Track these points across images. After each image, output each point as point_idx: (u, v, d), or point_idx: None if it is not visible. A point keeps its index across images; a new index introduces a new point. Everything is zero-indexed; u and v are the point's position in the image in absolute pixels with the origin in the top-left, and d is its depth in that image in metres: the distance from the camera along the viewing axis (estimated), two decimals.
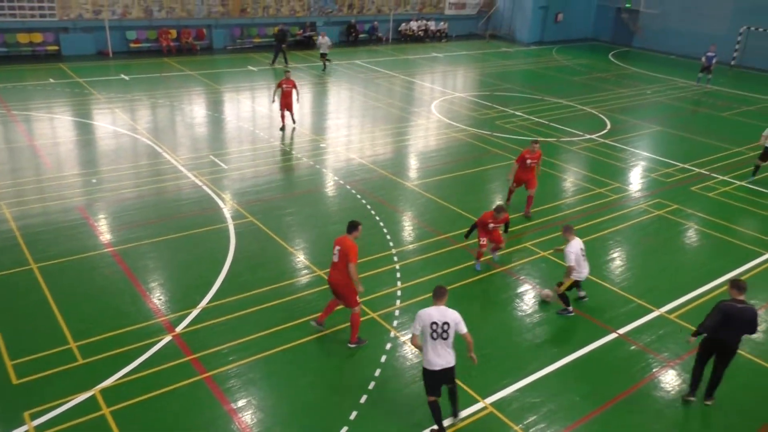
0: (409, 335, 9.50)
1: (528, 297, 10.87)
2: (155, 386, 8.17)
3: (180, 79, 25.48)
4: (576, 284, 10.18)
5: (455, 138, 19.57)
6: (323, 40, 28.32)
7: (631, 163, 18.12)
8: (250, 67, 28.34)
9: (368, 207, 14.06)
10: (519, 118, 22.03)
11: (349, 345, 9.17)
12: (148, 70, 26.88)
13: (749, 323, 7.75)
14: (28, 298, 10.03)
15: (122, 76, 25.38)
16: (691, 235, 13.63)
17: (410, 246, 12.36)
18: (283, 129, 19.35)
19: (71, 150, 16.94)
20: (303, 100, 24.08)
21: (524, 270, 11.73)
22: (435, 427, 7.56)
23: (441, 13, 40.01)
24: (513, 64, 33.25)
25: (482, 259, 11.63)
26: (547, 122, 21.66)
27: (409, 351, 9.20)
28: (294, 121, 19.73)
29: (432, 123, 21.31)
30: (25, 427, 7.40)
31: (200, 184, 14.89)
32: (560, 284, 10.10)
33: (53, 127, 18.72)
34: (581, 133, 20.52)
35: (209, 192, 14.45)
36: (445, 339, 7.06)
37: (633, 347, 9.56)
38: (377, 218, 13.50)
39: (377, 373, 8.68)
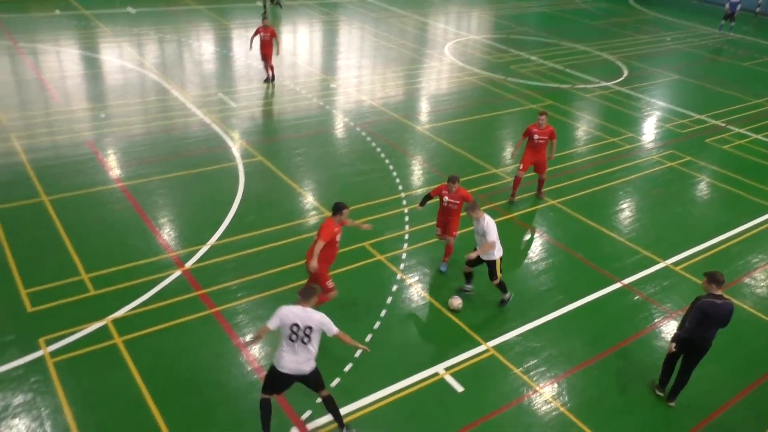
0: (416, 278, 9.64)
1: (535, 245, 10.92)
2: (166, 319, 8.36)
3: (187, 14, 24.92)
4: (470, 275, 9.24)
5: (468, 82, 19.21)
6: None
7: (646, 112, 17.80)
8: (259, 3, 27.58)
9: (378, 150, 13.96)
10: (534, 63, 21.54)
11: None
12: (154, 3, 26.25)
13: (725, 318, 7.02)
14: (40, 230, 10.16)
15: (129, 9, 24.81)
16: (703, 188, 13.52)
17: (419, 190, 12.33)
18: (267, 81, 17.56)
19: (79, 84, 16.77)
20: (313, 39, 23.60)
21: (532, 218, 11.73)
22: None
23: None
24: (529, 6, 32.22)
25: (448, 257, 9.94)
26: (562, 68, 21.17)
27: (414, 293, 9.33)
28: (273, 77, 17.59)
29: (445, 66, 20.88)
30: (40, 353, 7.64)
31: (209, 122, 14.78)
32: (495, 277, 8.89)
33: (60, 61, 18.47)
34: (597, 80, 20.08)
35: (218, 130, 14.36)
36: (305, 344, 6.25)
37: (637, 297, 9.65)
38: (387, 161, 13.43)
39: (383, 313, 8.83)
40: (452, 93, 18.28)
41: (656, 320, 9.16)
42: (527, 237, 11.13)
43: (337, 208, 8.01)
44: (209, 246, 10.03)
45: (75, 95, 15.95)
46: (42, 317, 8.24)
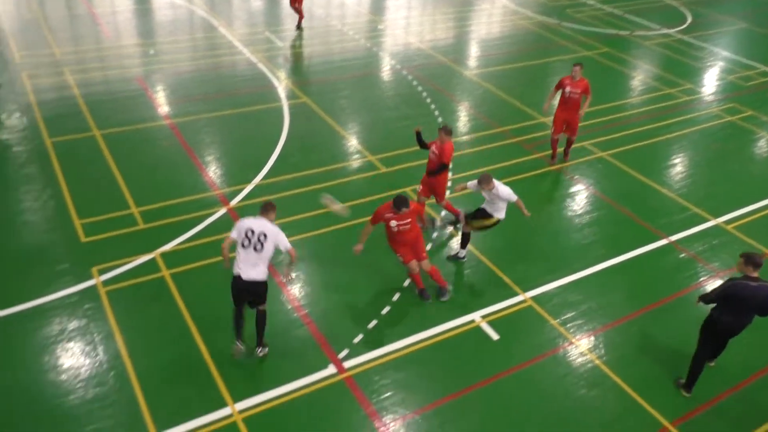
0: (458, 225, 9.60)
1: (580, 197, 10.69)
2: (210, 254, 8.60)
3: None
4: (466, 238, 8.75)
5: (521, 26, 18.49)
6: None
7: (708, 62, 16.86)
8: None
9: (424, 94, 13.72)
10: (591, 8, 20.52)
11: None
12: None
13: (762, 303, 6.43)
14: (92, 163, 10.48)
15: None
16: (763, 145, 12.87)
17: (464, 137, 12.13)
18: (298, 27, 16.90)
19: (129, 19, 16.89)
20: None
21: (579, 170, 11.44)
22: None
23: None
24: None
25: (437, 220, 9.62)
26: (621, 13, 20.12)
27: (453, 241, 9.32)
28: (299, 26, 16.89)
29: (497, 8, 20.11)
30: (93, 281, 8.01)
31: (255, 61, 14.74)
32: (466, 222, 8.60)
33: None
34: (657, 27, 19.05)
35: (264, 70, 14.32)
36: (257, 251, 6.46)
37: (683, 255, 9.41)
38: (432, 107, 13.20)
39: None
40: (503, 37, 17.66)
41: (702, 279, 8.94)
42: (573, 189, 10.89)
43: (396, 203, 7.39)
44: (253, 185, 10.19)
45: (125, 30, 16.09)
46: (95, 247, 8.60)
